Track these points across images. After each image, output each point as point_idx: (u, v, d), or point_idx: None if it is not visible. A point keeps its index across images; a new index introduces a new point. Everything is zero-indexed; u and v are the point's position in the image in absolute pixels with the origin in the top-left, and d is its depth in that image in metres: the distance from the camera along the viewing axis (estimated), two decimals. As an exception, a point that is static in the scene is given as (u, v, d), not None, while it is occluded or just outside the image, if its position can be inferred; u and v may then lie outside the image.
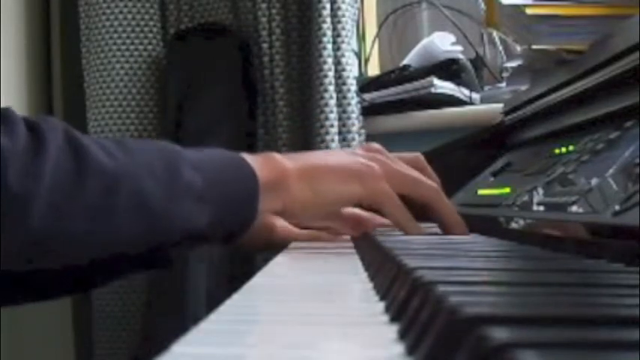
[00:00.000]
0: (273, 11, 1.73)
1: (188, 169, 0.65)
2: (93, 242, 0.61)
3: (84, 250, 0.62)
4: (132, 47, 1.83)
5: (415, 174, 0.78)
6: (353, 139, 1.66)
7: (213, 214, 0.66)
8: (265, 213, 0.74)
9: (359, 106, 1.69)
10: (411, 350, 0.28)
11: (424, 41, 1.79)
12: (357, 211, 0.83)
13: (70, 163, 0.60)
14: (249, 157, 0.71)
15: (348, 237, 0.82)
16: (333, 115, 1.65)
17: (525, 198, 0.74)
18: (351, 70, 1.69)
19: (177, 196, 0.64)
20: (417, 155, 0.84)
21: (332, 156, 0.78)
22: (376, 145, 0.81)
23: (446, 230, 0.78)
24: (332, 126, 1.65)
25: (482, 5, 1.64)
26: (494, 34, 1.68)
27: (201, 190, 0.65)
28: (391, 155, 0.80)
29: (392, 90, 1.70)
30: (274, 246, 0.83)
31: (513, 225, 0.71)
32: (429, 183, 0.78)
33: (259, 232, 0.82)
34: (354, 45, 1.78)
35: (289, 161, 0.74)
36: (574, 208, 0.59)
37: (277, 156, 0.74)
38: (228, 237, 0.72)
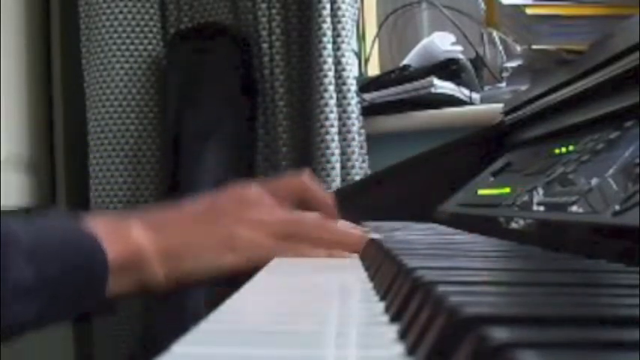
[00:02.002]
0: (273, 11, 1.73)
1: (20, 261, 0.61)
2: None
3: None
4: (132, 47, 1.83)
5: (287, 216, 0.71)
6: (353, 139, 1.66)
7: (43, 308, 0.62)
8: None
9: (359, 106, 1.69)
10: (411, 350, 0.28)
11: (424, 41, 1.79)
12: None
13: None
14: (101, 231, 0.65)
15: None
16: (333, 115, 1.65)
17: (525, 198, 0.74)
18: (351, 70, 1.69)
19: (4, 298, 0.60)
20: (298, 178, 0.77)
21: (195, 228, 0.70)
22: (248, 192, 0.73)
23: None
24: (332, 126, 1.65)
25: (482, 5, 1.64)
26: (494, 34, 1.68)
27: (31, 284, 0.61)
28: (264, 196, 0.72)
29: (392, 90, 1.70)
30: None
31: (513, 225, 0.71)
32: (307, 219, 0.71)
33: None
34: (354, 45, 1.78)
35: (149, 236, 0.68)
36: (574, 208, 0.59)
37: (135, 230, 0.68)
38: (77, 316, 0.68)
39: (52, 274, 0.63)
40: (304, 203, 0.75)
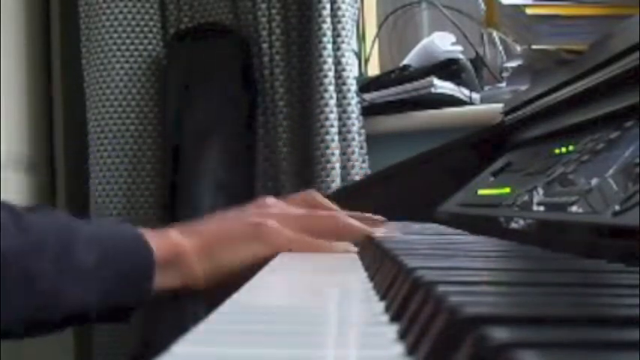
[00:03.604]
0: (273, 11, 1.73)
1: (82, 247, 0.66)
2: None
3: None
4: (132, 47, 1.83)
5: (308, 212, 0.80)
6: (353, 139, 1.66)
7: (105, 292, 0.68)
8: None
9: (359, 106, 1.69)
10: (411, 350, 0.28)
11: (424, 41, 1.79)
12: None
13: None
14: (147, 233, 0.72)
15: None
16: (333, 115, 1.65)
17: (525, 198, 0.74)
18: (351, 70, 1.69)
19: (68, 275, 0.65)
20: (307, 193, 0.87)
21: (225, 223, 0.78)
22: (265, 199, 0.82)
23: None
24: (332, 126, 1.65)
25: (482, 5, 1.64)
26: (494, 34, 1.68)
27: (92, 268, 0.66)
28: (280, 202, 0.82)
29: (392, 90, 1.70)
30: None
31: (513, 225, 0.71)
32: (324, 214, 0.80)
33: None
34: (354, 45, 1.78)
35: (186, 237, 0.75)
36: (574, 208, 0.59)
37: (173, 233, 0.75)
38: (120, 313, 0.73)
39: (111, 262, 0.68)
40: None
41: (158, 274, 0.71)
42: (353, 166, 1.66)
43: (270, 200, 0.82)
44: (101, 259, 0.67)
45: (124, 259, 0.69)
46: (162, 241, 0.73)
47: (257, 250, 0.74)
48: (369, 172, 1.67)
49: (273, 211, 0.79)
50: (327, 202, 0.86)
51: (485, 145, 1.14)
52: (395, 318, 0.34)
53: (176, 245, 0.73)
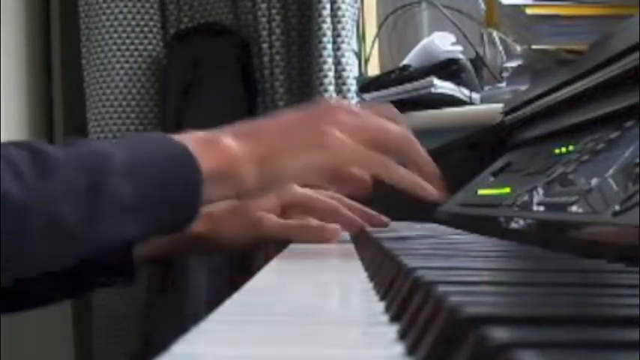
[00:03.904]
0: (273, 11, 1.73)
1: (116, 179, 0.61)
2: (5, 272, 0.58)
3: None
4: (132, 47, 1.83)
5: (380, 123, 0.73)
6: (353, 139, 1.66)
7: (147, 221, 0.63)
8: (248, 208, 0.72)
9: (359, 106, 1.69)
10: (411, 350, 0.28)
11: (424, 41, 1.79)
12: (306, 221, 0.82)
13: None
14: (193, 143, 0.66)
15: (337, 226, 0.81)
16: (333, 115, 1.65)
17: (525, 198, 0.74)
18: (351, 70, 1.69)
19: (102, 213, 0.60)
20: (386, 106, 0.79)
21: (287, 124, 0.71)
22: (338, 102, 0.76)
23: (418, 186, 0.73)
24: (332, 126, 1.65)
25: (482, 5, 1.64)
26: (494, 34, 1.68)
27: (131, 200, 0.61)
28: (356, 108, 0.76)
29: (392, 90, 1.70)
30: (263, 240, 0.83)
31: (513, 225, 0.71)
32: (397, 130, 0.73)
33: (243, 228, 0.81)
34: (354, 45, 1.78)
35: (239, 143, 0.68)
36: (574, 208, 0.59)
37: (226, 138, 0.68)
38: (170, 231, 0.68)
39: (149, 189, 0.62)
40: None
41: (207, 187, 0.65)
42: (353, 166, 1.65)
43: (341, 103, 0.75)
44: (140, 188, 0.62)
45: (167, 181, 0.63)
46: (212, 151, 0.66)
47: (319, 160, 0.69)
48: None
49: (341, 117, 0.71)
50: (403, 121, 0.77)
51: (485, 145, 1.14)
52: (395, 318, 0.34)
53: (227, 155, 0.67)
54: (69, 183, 0.59)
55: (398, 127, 0.73)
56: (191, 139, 0.66)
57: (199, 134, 0.68)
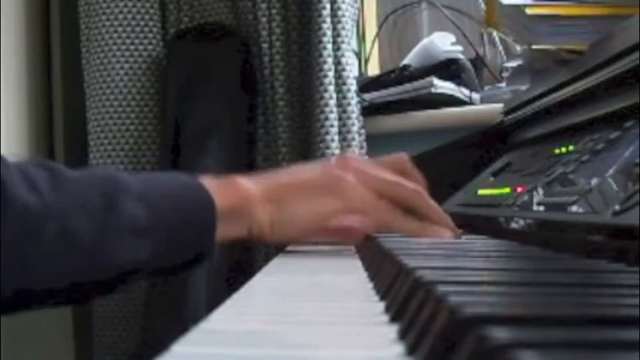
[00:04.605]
0: (273, 11, 1.73)
1: (130, 201, 0.61)
2: (13, 282, 0.58)
3: (7, 287, 0.58)
4: (132, 47, 1.83)
5: (393, 177, 0.73)
6: (353, 139, 1.66)
7: (158, 248, 0.62)
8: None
9: (359, 106, 1.69)
10: (411, 350, 0.28)
11: (424, 41, 1.79)
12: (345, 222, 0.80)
13: None
14: (208, 183, 0.67)
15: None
16: (333, 115, 1.65)
17: (525, 198, 0.74)
18: (351, 70, 1.69)
19: (115, 231, 0.60)
20: (399, 156, 0.79)
21: (300, 173, 0.72)
22: (350, 154, 0.77)
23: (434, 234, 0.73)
24: (332, 126, 1.65)
25: (482, 5, 1.64)
26: (494, 34, 1.68)
27: (144, 224, 0.61)
28: (369, 161, 0.76)
29: (392, 90, 1.70)
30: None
31: (513, 225, 0.71)
32: (409, 185, 0.73)
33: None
34: (354, 45, 1.78)
35: (253, 184, 0.69)
36: (574, 208, 0.59)
37: (240, 180, 0.69)
38: (183, 266, 0.67)
39: (164, 215, 0.63)
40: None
41: (221, 224, 0.65)
42: (353, 166, 1.65)
43: (355, 156, 0.75)
44: (153, 214, 0.62)
45: (181, 212, 0.63)
46: (227, 188, 0.67)
47: (330, 206, 0.69)
48: (369, 172, 1.67)
49: (355, 165, 0.72)
50: (416, 172, 0.77)
51: (485, 145, 1.14)
52: (395, 318, 0.34)
53: (242, 192, 0.68)
54: (83, 200, 0.60)
55: (410, 184, 0.73)
56: (206, 179, 0.67)
57: (214, 177, 0.69)
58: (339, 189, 0.69)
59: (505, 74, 1.65)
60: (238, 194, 0.68)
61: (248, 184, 0.69)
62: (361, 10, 1.89)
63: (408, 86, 1.67)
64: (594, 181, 0.60)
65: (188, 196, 0.65)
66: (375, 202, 0.70)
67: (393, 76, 1.72)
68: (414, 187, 0.74)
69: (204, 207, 0.65)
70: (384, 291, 0.41)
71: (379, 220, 0.71)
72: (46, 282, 0.60)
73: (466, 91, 1.68)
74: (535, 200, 0.71)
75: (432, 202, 0.74)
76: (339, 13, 1.68)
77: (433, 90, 1.64)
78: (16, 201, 0.57)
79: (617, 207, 0.52)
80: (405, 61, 1.77)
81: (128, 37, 1.83)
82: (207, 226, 0.65)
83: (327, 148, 1.63)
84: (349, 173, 0.70)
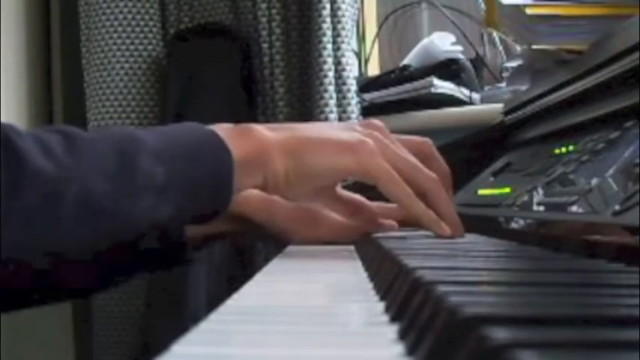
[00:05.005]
0: (273, 11, 1.73)
1: (148, 159, 0.60)
2: (36, 251, 0.58)
3: (29, 258, 0.58)
4: (132, 47, 1.83)
5: (413, 159, 0.72)
6: (353, 139, 1.66)
7: (179, 204, 0.62)
8: (257, 191, 0.70)
9: (359, 106, 1.69)
10: (411, 350, 0.28)
11: (424, 41, 1.79)
12: (358, 196, 0.79)
13: (5, 173, 0.56)
14: (223, 131, 0.66)
15: (393, 223, 0.79)
16: (333, 115, 1.65)
17: (525, 198, 0.74)
18: (351, 70, 1.69)
19: (133, 192, 0.59)
20: (425, 141, 0.78)
21: (323, 128, 0.72)
22: (377, 122, 0.75)
23: (436, 224, 0.72)
24: (332, 126, 1.65)
25: (482, 5, 1.64)
26: (494, 34, 1.68)
27: (162, 181, 0.61)
28: (394, 136, 0.75)
29: (392, 90, 1.70)
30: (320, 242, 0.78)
31: (513, 225, 0.71)
32: (427, 172, 0.72)
33: (301, 223, 0.77)
34: (354, 45, 1.78)
35: (271, 132, 0.68)
36: (574, 208, 0.59)
37: (257, 127, 0.68)
38: (202, 218, 0.67)
39: (181, 173, 0.62)
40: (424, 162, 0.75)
41: (238, 175, 0.64)
42: (353, 166, 1.65)
43: (381, 124, 0.74)
44: (171, 170, 0.61)
45: (198, 165, 0.63)
46: (243, 138, 0.66)
47: (347, 164, 0.68)
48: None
49: (380, 136, 0.71)
50: (441, 160, 0.77)
51: (485, 145, 1.14)
52: (395, 318, 0.34)
53: (259, 141, 0.67)
54: (100, 161, 0.59)
55: (430, 173, 0.73)
56: (222, 128, 0.66)
57: (230, 125, 0.68)
58: (358, 150, 0.69)
59: (505, 74, 1.65)
60: (255, 143, 0.67)
61: (266, 132, 0.68)
62: (361, 10, 1.89)
63: (408, 86, 1.67)
64: (594, 181, 0.60)
65: (205, 150, 0.64)
66: (390, 173, 0.69)
67: (393, 76, 1.72)
68: (430, 174, 0.73)
69: (222, 160, 0.64)
70: (384, 291, 0.41)
71: (391, 193, 0.70)
72: (70, 246, 0.59)
73: (466, 91, 1.68)
74: (535, 200, 0.71)
75: (445, 195, 0.73)
76: (339, 13, 1.68)
77: (433, 90, 1.64)
78: (35, 169, 0.57)
79: (617, 207, 0.52)
80: (405, 61, 1.77)
81: (128, 37, 1.83)
82: (225, 180, 0.64)
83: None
84: (371, 139, 0.70)
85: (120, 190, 0.59)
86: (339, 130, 0.72)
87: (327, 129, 0.72)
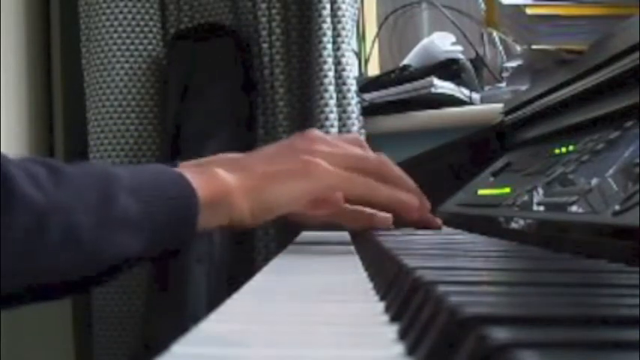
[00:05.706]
0: (273, 11, 1.73)
1: (123, 195, 0.64)
2: (19, 277, 0.59)
3: (10, 283, 0.59)
4: (132, 47, 1.83)
5: (354, 151, 0.79)
6: (353, 139, 1.66)
7: (149, 239, 0.65)
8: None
9: (359, 106, 1.69)
10: (411, 350, 0.28)
11: (424, 41, 1.79)
12: (359, 207, 0.83)
13: None
14: (190, 174, 0.70)
15: (388, 216, 0.83)
16: (333, 115, 1.65)
17: (525, 198, 0.74)
18: (351, 70, 1.69)
19: (111, 226, 0.62)
20: (356, 136, 0.85)
21: (272, 157, 0.77)
22: (313, 134, 0.80)
23: (402, 202, 0.78)
24: (332, 126, 1.65)
25: (482, 5, 1.64)
26: (494, 34, 1.68)
27: (136, 217, 0.64)
28: (330, 137, 0.81)
29: (392, 90, 1.70)
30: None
31: (513, 225, 0.71)
32: (371, 155, 0.79)
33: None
34: (354, 45, 1.78)
35: (231, 175, 0.73)
36: (574, 208, 0.59)
37: (218, 171, 0.73)
38: (164, 255, 0.71)
39: (153, 209, 0.65)
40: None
41: (203, 215, 0.68)
42: (353, 166, 1.65)
43: (318, 134, 0.80)
44: (144, 207, 0.64)
45: (167, 204, 0.66)
46: (207, 180, 0.70)
47: (306, 188, 0.73)
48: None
49: (321, 148, 0.77)
50: (369, 148, 0.83)
51: (485, 145, 1.14)
52: (395, 318, 0.34)
53: (222, 185, 0.71)
54: (83, 195, 0.62)
55: (374, 154, 0.79)
56: (189, 170, 0.71)
57: (192, 164, 0.74)
58: (309, 172, 0.74)
59: (505, 74, 1.65)
60: (217, 185, 0.71)
61: (225, 175, 0.72)
62: (361, 10, 1.89)
63: (408, 86, 1.67)
64: (594, 181, 0.60)
65: (174, 190, 0.67)
66: (347, 177, 0.75)
67: (393, 76, 1.72)
68: (376, 156, 0.79)
69: (189, 201, 0.68)
70: (384, 291, 0.41)
71: (353, 193, 0.76)
72: (50, 277, 0.61)
73: (466, 91, 1.68)
74: (535, 200, 0.71)
75: (398, 169, 0.79)
76: (339, 13, 1.68)
77: (433, 90, 1.64)
78: (24, 197, 0.58)
79: (617, 207, 0.52)
80: (405, 61, 1.77)
81: (128, 37, 1.83)
82: (191, 219, 0.68)
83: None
84: (316, 155, 0.75)
85: (98, 224, 0.62)
86: (287, 159, 0.76)
87: (275, 156, 0.77)
